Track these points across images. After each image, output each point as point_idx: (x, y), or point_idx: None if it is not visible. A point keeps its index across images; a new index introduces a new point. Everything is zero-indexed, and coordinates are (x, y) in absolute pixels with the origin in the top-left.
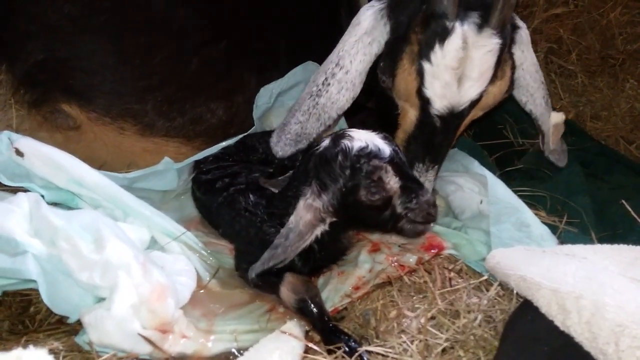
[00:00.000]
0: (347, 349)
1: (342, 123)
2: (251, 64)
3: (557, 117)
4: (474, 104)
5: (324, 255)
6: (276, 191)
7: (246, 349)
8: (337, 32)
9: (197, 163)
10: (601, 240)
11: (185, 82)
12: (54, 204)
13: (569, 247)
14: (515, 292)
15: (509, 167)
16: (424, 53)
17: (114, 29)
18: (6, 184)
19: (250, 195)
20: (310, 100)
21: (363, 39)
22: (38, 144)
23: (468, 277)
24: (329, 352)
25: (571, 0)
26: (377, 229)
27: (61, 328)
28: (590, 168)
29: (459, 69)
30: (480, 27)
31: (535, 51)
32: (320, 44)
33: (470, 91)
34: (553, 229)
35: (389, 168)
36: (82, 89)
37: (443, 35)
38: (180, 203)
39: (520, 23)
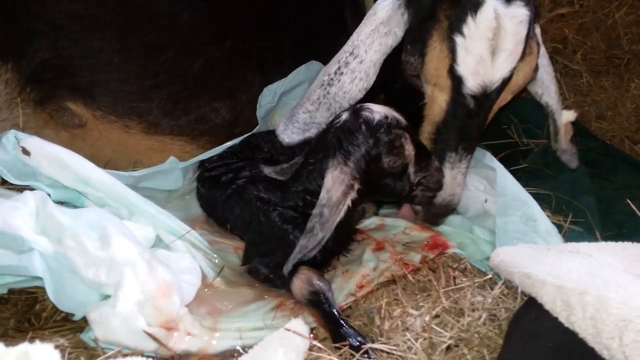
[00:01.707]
0: (357, 343)
1: None
2: (255, 63)
3: (568, 115)
4: (505, 82)
5: (337, 237)
6: (282, 179)
7: (251, 347)
8: (341, 32)
9: (202, 162)
10: (606, 240)
11: (189, 81)
12: (61, 203)
13: (573, 245)
14: (519, 290)
15: (514, 167)
16: (456, 27)
17: (119, 27)
18: (13, 182)
19: (262, 183)
20: (321, 90)
21: (379, 29)
22: (44, 142)
23: (472, 276)
24: (335, 349)
25: (576, 0)
26: (392, 197)
27: (67, 325)
28: (595, 168)
29: (493, 40)
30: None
31: None
32: (324, 43)
33: (503, 65)
34: (558, 228)
35: (407, 135)
36: (88, 87)
37: (475, 6)
38: (185, 202)
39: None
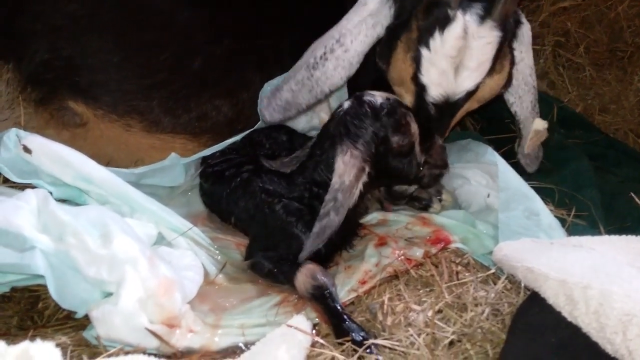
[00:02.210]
0: (360, 338)
1: (344, 93)
2: (255, 60)
3: (540, 124)
4: (470, 94)
5: (341, 231)
6: (283, 171)
7: (253, 343)
8: None
9: (204, 158)
10: (609, 233)
11: (189, 80)
12: (62, 201)
13: (576, 239)
14: (522, 285)
15: (516, 161)
16: (423, 39)
17: (118, 27)
18: (14, 180)
19: (266, 175)
20: (306, 71)
21: (367, 20)
22: (46, 141)
23: (475, 271)
24: (337, 345)
25: None
26: (402, 179)
27: (69, 323)
28: (599, 161)
29: (457, 58)
30: (482, 18)
31: (543, 45)
32: None
33: (467, 81)
34: (561, 222)
35: (411, 114)
36: (88, 86)
37: (444, 22)
38: (188, 199)
39: (524, 20)
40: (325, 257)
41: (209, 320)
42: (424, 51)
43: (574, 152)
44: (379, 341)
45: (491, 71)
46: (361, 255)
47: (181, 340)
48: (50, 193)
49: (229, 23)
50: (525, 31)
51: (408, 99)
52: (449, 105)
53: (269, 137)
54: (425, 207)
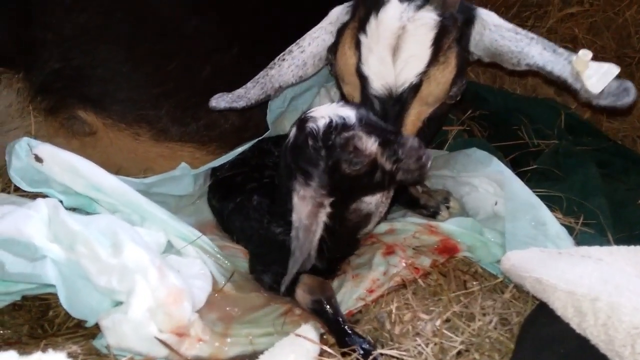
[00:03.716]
0: (361, 351)
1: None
2: (264, 67)
3: (583, 56)
4: (414, 88)
5: (336, 242)
6: None
7: (261, 352)
8: None
9: (214, 170)
10: (618, 242)
11: (198, 88)
12: (73, 210)
13: (584, 249)
14: (530, 294)
15: (524, 168)
16: (362, 26)
17: (128, 37)
18: (26, 189)
19: (255, 198)
20: (264, 71)
21: (327, 27)
22: (57, 150)
23: (483, 280)
24: (344, 354)
25: None
26: (376, 191)
27: (79, 332)
28: (607, 168)
29: (392, 40)
30: (420, 6)
31: None
32: None
33: (406, 69)
34: (569, 230)
35: (361, 133)
36: (98, 96)
37: (378, 6)
38: (196, 207)
39: (483, 12)
40: (326, 270)
41: (217, 329)
42: (362, 37)
43: (581, 160)
44: (386, 351)
45: (434, 61)
46: (369, 263)
47: (190, 349)
48: (61, 202)
49: (237, 31)
50: (489, 17)
51: (356, 97)
52: (394, 102)
53: (278, 146)
54: (433, 215)
